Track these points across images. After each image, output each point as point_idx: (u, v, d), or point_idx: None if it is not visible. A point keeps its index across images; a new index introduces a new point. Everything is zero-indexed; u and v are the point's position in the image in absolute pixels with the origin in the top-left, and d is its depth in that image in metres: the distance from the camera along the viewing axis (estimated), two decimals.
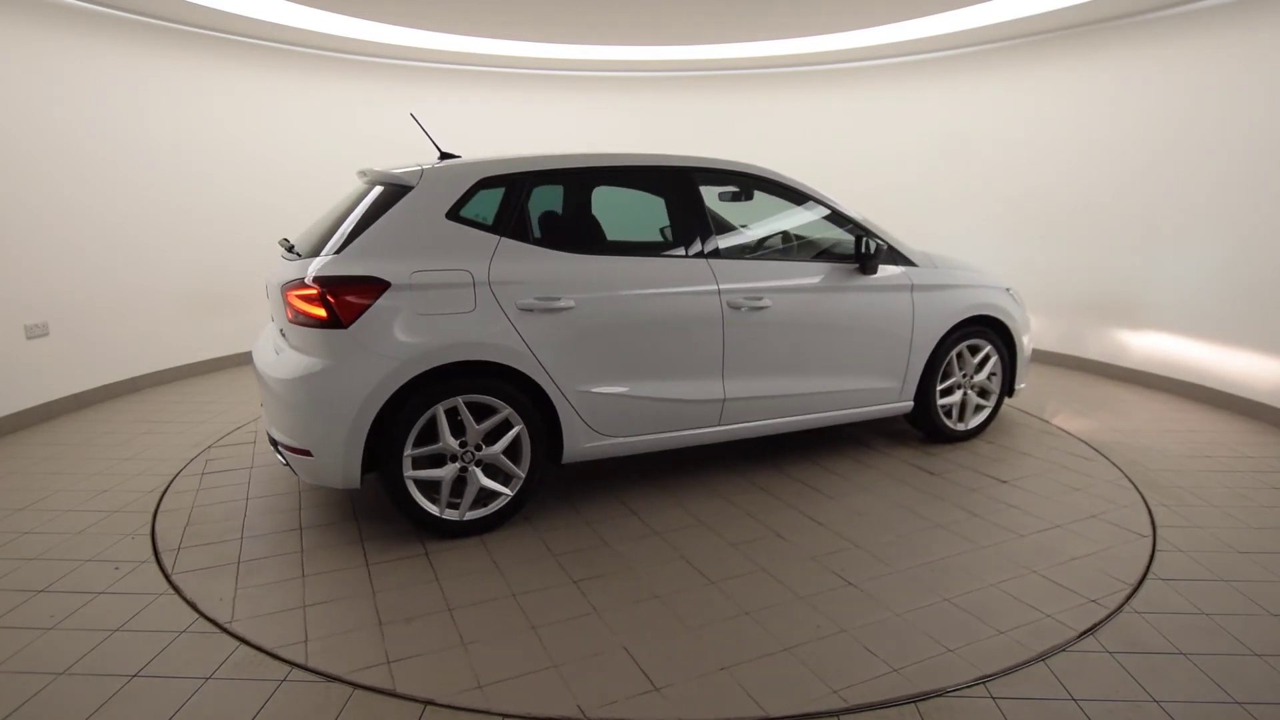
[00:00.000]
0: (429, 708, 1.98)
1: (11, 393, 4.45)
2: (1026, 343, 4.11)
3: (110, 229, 5.09)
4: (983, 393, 4.09)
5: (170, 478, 3.64)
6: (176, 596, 2.55)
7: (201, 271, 5.76)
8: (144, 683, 2.09)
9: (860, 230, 3.59)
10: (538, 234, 3.14)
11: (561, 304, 2.97)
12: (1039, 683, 2.07)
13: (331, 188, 5.78)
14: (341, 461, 2.76)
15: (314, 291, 2.73)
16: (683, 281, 3.22)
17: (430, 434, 2.87)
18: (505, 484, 3.03)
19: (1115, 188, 5.33)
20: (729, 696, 2.02)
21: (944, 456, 3.83)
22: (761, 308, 3.32)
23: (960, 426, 4.03)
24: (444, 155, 3.39)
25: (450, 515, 2.95)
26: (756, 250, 3.68)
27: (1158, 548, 2.86)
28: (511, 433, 2.97)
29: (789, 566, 2.74)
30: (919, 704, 1.99)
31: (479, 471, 2.95)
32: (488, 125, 7.04)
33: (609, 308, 3.07)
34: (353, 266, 2.79)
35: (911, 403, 3.83)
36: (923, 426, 4.01)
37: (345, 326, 2.72)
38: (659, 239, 3.62)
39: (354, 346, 2.73)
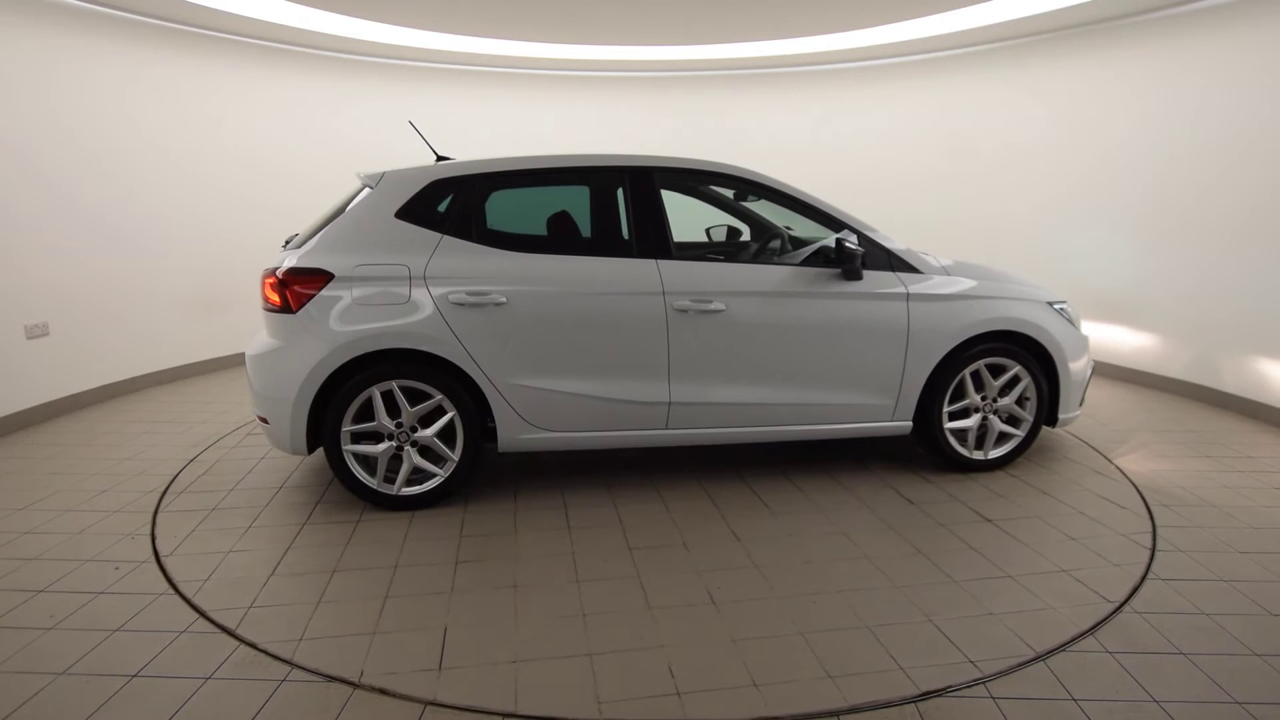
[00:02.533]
0: (429, 708, 1.98)
1: (11, 393, 4.45)
2: (1077, 366, 3.58)
3: (110, 229, 5.09)
4: (1012, 420, 3.62)
5: (170, 478, 3.64)
6: (177, 597, 2.55)
7: (202, 272, 5.76)
8: (144, 683, 2.09)
9: (846, 233, 3.34)
10: (481, 233, 3.24)
11: (493, 299, 3.10)
12: (1039, 683, 2.07)
13: (331, 188, 5.80)
14: (289, 431, 3.12)
15: (273, 281, 3.12)
16: (624, 282, 3.19)
17: (372, 413, 3.15)
18: (440, 466, 3.23)
19: (1119, 188, 5.33)
20: (496, 689, 2.06)
21: (943, 486, 3.46)
22: (712, 311, 3.21)
23: (978, 455, 3.57)
24: (440, 159, 3.50)
25: (386, 489, 3.20)
26: (721, 252, 3.57)
27: (1158, 548, 2.86)
28: (444, 418, 3.17)
29: (666, 577, 2.66)
30: (919, 704, 1.99)
31: (413, 451, 3.20)
32: (487, 125, 7.04)
33: (543, 305, 3.15)
34: (312, 260, 3.13)
35: (909, 423, 3.47)
36: (934, 452, 3.60)
37: (294, 312, 3.07)
38: (609, 239, 3.47)
39: (300, 330, 3.07)
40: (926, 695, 2.02)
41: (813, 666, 2.14)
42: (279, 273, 3.11)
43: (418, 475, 3.25)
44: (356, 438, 3.18)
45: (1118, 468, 3.70)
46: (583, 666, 2.16)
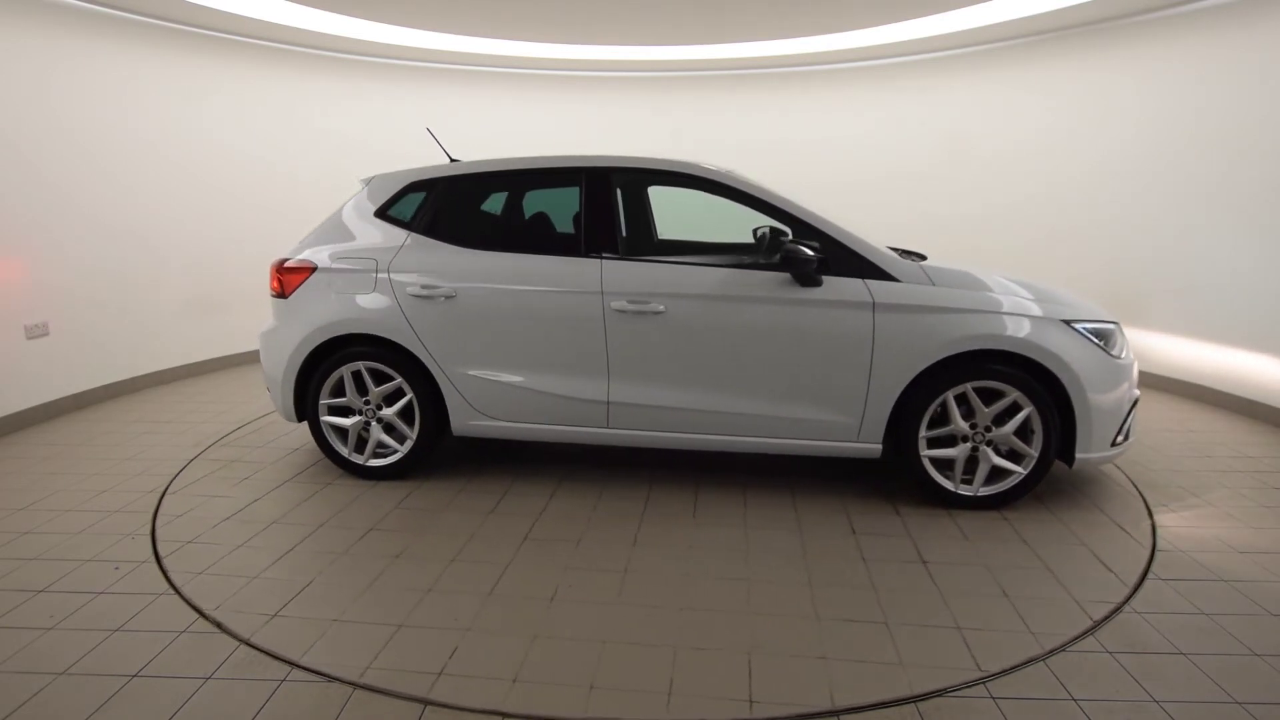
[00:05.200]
0: (429, 708, 1.98)
1: (11, 393, 4.45)
2: (1105, 398, 3.03)
3: (110, 229, 5.09)
4: (1013, 454, 3.17)
5: (170, 477, 3.64)
6: (177, 596, 2.55)
7: (201, 271, 5.76)
8: (144, 683, 2.09)
9: (812, 235, 3.14)
10: (444, 231, 3.47)
11: (443, 293, 3.32)
12: (1039, 683, 2.07)
13: (330, 188, 5.79)
14: (281, 400, 3.58)
15: (274, 269, 3.59)
16: (565, 280, 3.26)
17: (358, 389, 3.54)
18: (401, 443, 3.54)
19: (1122, 190, 5.33)
20: (300, 640, 2.30)
21: (910, 519, 3.11)
22: (651, 312, 3.17)
23: (965, 490, 3.17)
24: (453, 163, 3.64)
25: (356, 459, 3.57)
26: (675, 253, 3.54)
27: (1158, 547, 2.86)
28: (404, 399, 3.46)
29: (532, 569, 2.72)
30: (919, 704, 1.99)
31: (378, 427, 3.53)
32: (486, 125, 7.04)
33: (488, 299, 3.33)
34: (301, 252, 3.58)
35: (878, 447, 3.16)
36: (916, 481, 3.24)
37: (286, 298, 3.54)
38: (560, 237, 3.53)
39: (290, 313, 3.53)
40: (926, 695, 2.02)
41: (586, 674, 2.12)
42: (277, 262, 3.59)
43: (385, 449, 3.57)
44: (334, 411, 3.56)
45: (1152, 525, 3.07)
46: (384, 635, 2.32)
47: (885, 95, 6.80)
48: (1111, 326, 3.16)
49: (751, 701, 2.00)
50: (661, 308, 3.17)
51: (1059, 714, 1.94)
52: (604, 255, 3.27)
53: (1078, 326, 3.07)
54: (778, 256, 3.11)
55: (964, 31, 5.73)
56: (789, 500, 3.34)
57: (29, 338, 4.57)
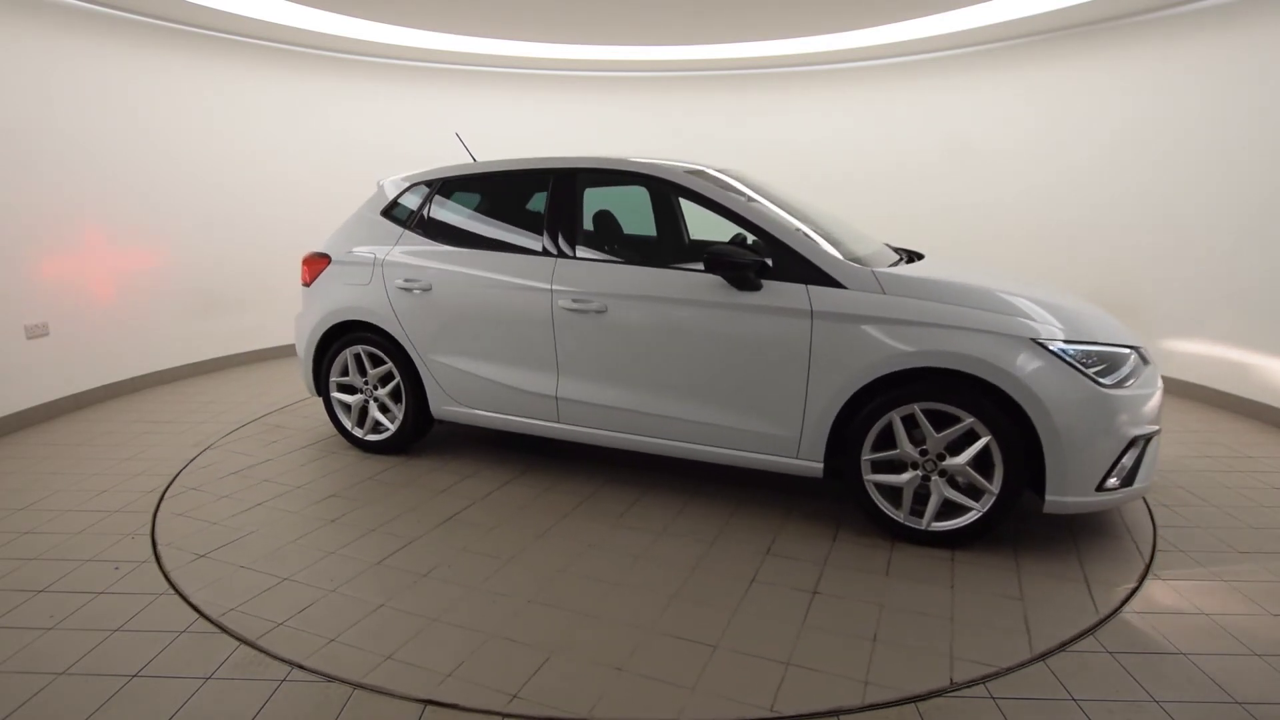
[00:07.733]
0: (429, 707, 1.98)
1: (11, 393, 4.45)
2: (1083, 433, 2.57)
3: (110, 229, 5.09)
4: (972, 489, 2.80)
5: (170, 477, 3.64)
6: (176, 596, 2.55)
7: (202, 271, 5.76)
8: (144, 683, 2.09)
9: (756, 235, 3.01)
10: (430, 229, 3.75)
11: (421, 285, 3.62)
12: (1039, 683, 2.07)
13: (329, 187, 5.79)
14: (304, 375, 4.08)
15: (302, 261, 4.06)
16: (519, 276, 3.41)
17: (358, 370, 3.92)
18: (393, 422, 3.89)
19: (1121, 189, 5.34)
20: (200, 577, 2.66)
21: (845, 546, 2.86)
22: (594, 311, 3.21)
23: (914, 524, 2.82)
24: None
25: (357, 433, 3.97)
26: (631, 252, 3.63)
27: (1158, 548, 2.85)
28: (394, 382, 3.81)
29: (432, 548, 2.89)
30: (919, 704, 1.99)
31: (374, 406, 3.92)
32: (486, 125, 7.03)
33: (458, 293, 3.56)
34: (321, 246, 4.02)
35: (819, 465, 2.92)
36: (861, 507, 2.95)
37: (309, 285, 4.01)
38: (529, 236, 3.55)
39: (312, 298, 3.99)
40: (926, 695, 2.02)
41: (392, 645, 2.26)
42: (306, 255, 4.04)
43: (382, 426, 3.91)
44: (341, 389, 3.98)
45: (1131, 591, 2.54)
46: (267, 584, 2.62)
47: (885, 95, 6.80)
48: (1118, 351, 2.71)
49: (514, 696, 2.03)
50: (603, 307, 3.21)
51: (1059, 714, 1.94)
52: (560, 254, 3.37)
53: (1054, 347, 2.61)
54: (702, 260, 2.97)
55: (963, 32, 5.73)
56: (727, 513, 3.19)
57: (29, 338, 4.57)
